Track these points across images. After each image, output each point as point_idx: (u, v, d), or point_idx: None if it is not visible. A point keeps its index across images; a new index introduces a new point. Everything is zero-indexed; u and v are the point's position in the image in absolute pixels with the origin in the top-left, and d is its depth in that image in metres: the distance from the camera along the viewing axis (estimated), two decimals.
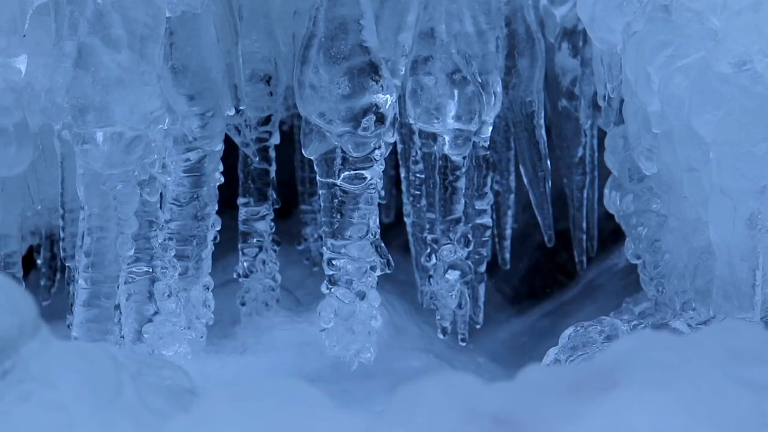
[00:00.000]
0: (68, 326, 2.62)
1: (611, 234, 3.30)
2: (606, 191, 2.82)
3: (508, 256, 3.13)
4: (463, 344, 3.00)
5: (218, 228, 2.73)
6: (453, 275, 2.83)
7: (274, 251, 2.98)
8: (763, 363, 1.54)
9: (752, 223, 2.36)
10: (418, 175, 2.88)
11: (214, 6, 2.64)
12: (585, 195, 3.08)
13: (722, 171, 2.35)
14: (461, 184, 2.76)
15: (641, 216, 2.76)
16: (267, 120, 2.84)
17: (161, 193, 2.62)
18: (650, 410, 1.45)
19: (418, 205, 2.89)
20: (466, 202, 2.79)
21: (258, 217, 2.94)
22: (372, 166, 2.59)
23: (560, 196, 3.19)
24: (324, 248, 2.65)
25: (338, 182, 2.60)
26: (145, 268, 2.60)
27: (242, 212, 2.93)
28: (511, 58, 2.87)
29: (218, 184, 2.70)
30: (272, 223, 2.95)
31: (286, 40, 2.82)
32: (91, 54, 2.44)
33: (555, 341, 2.53)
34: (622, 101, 2.67)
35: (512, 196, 3.06)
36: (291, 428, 1.50)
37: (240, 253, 2.95)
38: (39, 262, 3.18)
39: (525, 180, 2.97)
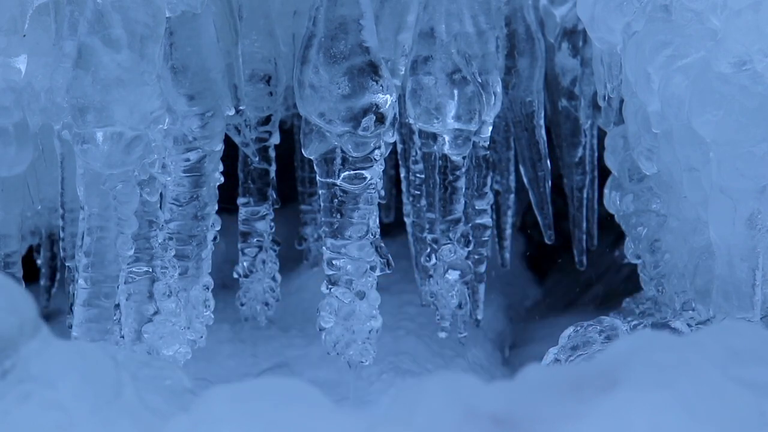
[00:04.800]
0: (69, 326, 2.62)
1: (611, 233, 3.30)
2: (606, 191, 2.82)
3: (508, 256, 3.13)
4: (463, 344, 3.01)
5: (218, 228, 2.73)
6: (453, 275, 2.83)
7: (274, 251, 2.98)
8: (763, 363, 1.54)
9: (752, 223, 2.36)
10: (418, 175, 2.88)
11: (214, 6, 2.63)
12: (585, 195, 3.08)
13: (722, 171, 2.35)
14: (461, 184, 2.76)
15: (641, 216, 2.76)
16: (267, 120, 2.84)
17: (161, 193, 2.62)
18: (650, 410, 1.45)
19: (418, 205, 2.89)
20: (466, 202, 2.79)
21: (258, 217, 2.94)
22: (372, 166, 2.59)
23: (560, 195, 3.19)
24: (324, 248, 2.65)
25: (338, 182, 2.60)
26: (145, 268, 2.60)
27: (242, 212, 2.93)
28: (511, 58, 2.87)
29: (218, 184, 2.70)
30: (272, 223, 2.95)
31: (286, 40, 2.82)
32: (91, 54, 2.43)
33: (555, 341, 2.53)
34: (622, 101, 2.67)
35: (512, 196, 3.06)
36: (291, 428, 1.50)
37: (240, 253, 2.95)
38: (39, 262, 3.18)
39: (525, 180, 2.97)
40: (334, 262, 2.63)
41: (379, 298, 2.66)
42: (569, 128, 3.03)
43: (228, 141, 2.74)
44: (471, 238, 2.82)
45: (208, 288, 2.72)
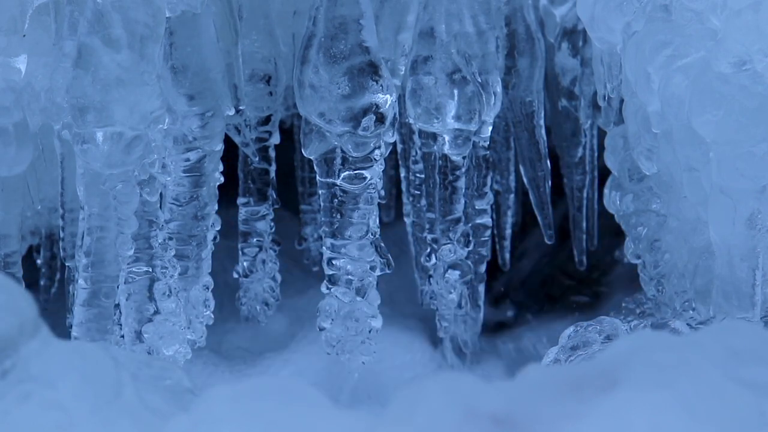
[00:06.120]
0: (69, 326, 2.62)
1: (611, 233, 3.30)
2: (606, 191, 2.82)
3: (508, 256, 3.13)
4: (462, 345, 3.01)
5: (218, 228, 2.73)
6: (453, 275, 2.83)
7: (274, 251, 2.98)
8: (763, 363, 1.54)
9: (752, 223, 2.36)
10: (418, 175, 2.88)
11: (214, 6, 2.63)
12: (585, 195, 3.08)
13: (722, 171, 2.35)
14: (461, 183, 2.76)
15: (641, 216, 2.76)
16: (267, 120, 2.84)
17: (161, 193, 2.62)
18: (650, 410, 1.45)
19: (418, 205, 2.89)
20: (466, 202, 2.79)
21: (258, 217, 2.94)
22: (372, 166, 2.59)
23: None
24: (324, 248, 2.65)
25: (338, 182, 2.60)
26: (145, 268, 2.60)
27: (242, 212, 2.93)
28: (511, 58, 2.87)
29: (218, 183, 2.70)
30: (272, 223, 2.95)
31: (286, 40, 2.82)
32: (91, 54, 2.44)
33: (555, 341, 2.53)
34: (622, 101, 2.67)
35: (512, 196, 3.06)
36: (291, 428, 1.50)
37: (240, 253, 2.95)
38: (39, 262, 3.17)
39: (525, 180, 2.97)
40: (334, 261, 2.63)
41: (378, 298, 2.66)
42: (569, 128, 3.03)
43: (228, 141, 2.75)
44: (471, 238, 2.82)
45: (208, 288, 2.72)
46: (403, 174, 2.93)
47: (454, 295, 2.85)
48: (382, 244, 2.65)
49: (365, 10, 2.54)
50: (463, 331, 2.95)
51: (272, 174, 2.92)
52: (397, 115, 2.60)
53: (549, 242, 3.06)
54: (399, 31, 2.73)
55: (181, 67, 2.59)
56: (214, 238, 2.73)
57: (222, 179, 2.70)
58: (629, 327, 2.57)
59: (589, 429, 1.44)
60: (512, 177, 3.04)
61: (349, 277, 2.63)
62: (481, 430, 1.46)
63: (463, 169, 2.75)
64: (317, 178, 2.63)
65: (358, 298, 2.64)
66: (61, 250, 2.71)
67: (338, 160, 2.59)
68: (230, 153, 2.83)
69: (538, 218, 3.00)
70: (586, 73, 2.96)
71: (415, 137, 2.84)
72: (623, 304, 2.89)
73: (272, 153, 2.90)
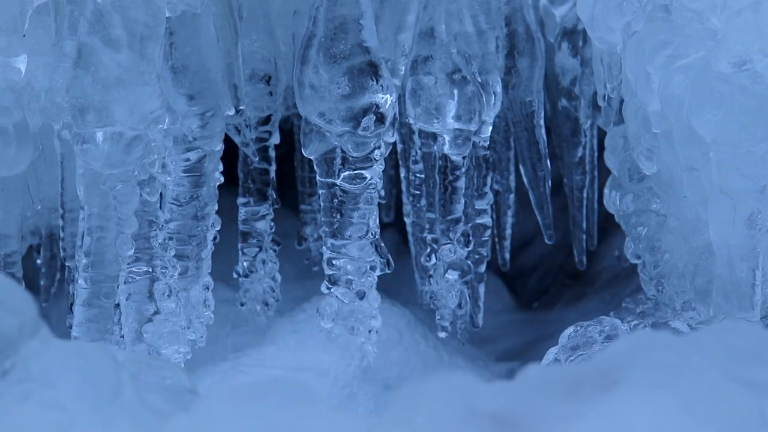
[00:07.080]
0: (69, 326, 2.62)
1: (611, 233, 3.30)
2: (606, 191, 2.83)
3: (508, 256, 3.13)
4: (463, 345, 3.01)
5: (218, 228, 2.73)
6: (453, 275, 2.83)
7: (274, 251, 2.98)
8: (763, 363, 1.54)
9: (752, 222, 2.36)
10: (418, 175, 2.88)
11: (214, 6, 2.64)
12: (585, 195, 3.08)
13: (722, 171, 2.35)
14: (461, 183, 2.76)
15: (641, 216, 2.76)
16: (267, 120, 2.84)
17: (161, 193, 2.62)
18: (650, 410, 1.45)
19: (418, 205, 2.89)
20: (466, 202, 2.79)
21: (258, 217, 2.94)
22: (372, 166, 2.59)
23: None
24: (324, 248, 2.65)
25: (338, 182, 2.60)
26: (145, 268, 2.60)
27: (242, 212, 2.93)
28: (511, 58, 2.87)
29: (218, 183, 2.70)
30: (272, 223, 2.95)
31: (286, 39, 2.82)
32: (91, 54, 2.44)
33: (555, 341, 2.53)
34: (622, 101, 2.67)
35: (512, 196, 3.06)
36: (291, 428, 1.50)
37: (240, 253, 2.95)
38: (39, 262, 3.17)
39: (525, 180, 2.97)
40: (334, 261, 2.63)
41: (379, 298, 2.66)
42: (569, 128, 3.03)
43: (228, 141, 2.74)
44: (471, 238, 2.82)
45: (208, 288, 2.72)
46: (403, 174, 2.93)
47: (454, 295, 2.85)
48: (382, 244, 2.65)
49: (365, 10, 2.54)
50: (462, 329, 2.95)
51: (272, 174, 2.92)
52: (397, 115, 2.60)
53: (549, 242, 3.06)
54: (399, 31, 2.73)
55: (181, 67, 2.59)
56: (214, 238, 2.73)
57: (222, 179, 2.70)
58: (629, 327, 2.57)
59: (589, 429, 1.44)
60: (512, 177, 3.04)
61: (349, 277, 2.63)
62: (481, 430, 1.46)
63: (463, 169, 2.75)
64: (317, 178, 2.63)
65: (358, 299, 2.63)
66: (61, 250, 2.71)
67: (338, 160, 2.59)
68: (230, 153, 2.83)
69: (538, 218, 3.00)
70: (586, 73, 2.96)
71: (415, 137, 2.84)
72: (623, 304, 2.89)
73: (272, 153, 2.90)
